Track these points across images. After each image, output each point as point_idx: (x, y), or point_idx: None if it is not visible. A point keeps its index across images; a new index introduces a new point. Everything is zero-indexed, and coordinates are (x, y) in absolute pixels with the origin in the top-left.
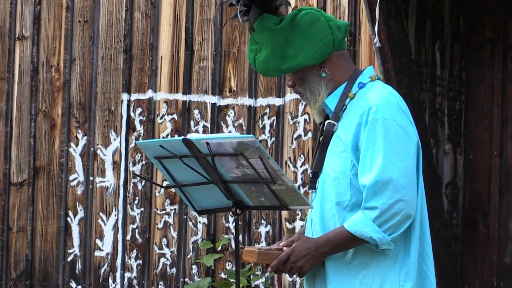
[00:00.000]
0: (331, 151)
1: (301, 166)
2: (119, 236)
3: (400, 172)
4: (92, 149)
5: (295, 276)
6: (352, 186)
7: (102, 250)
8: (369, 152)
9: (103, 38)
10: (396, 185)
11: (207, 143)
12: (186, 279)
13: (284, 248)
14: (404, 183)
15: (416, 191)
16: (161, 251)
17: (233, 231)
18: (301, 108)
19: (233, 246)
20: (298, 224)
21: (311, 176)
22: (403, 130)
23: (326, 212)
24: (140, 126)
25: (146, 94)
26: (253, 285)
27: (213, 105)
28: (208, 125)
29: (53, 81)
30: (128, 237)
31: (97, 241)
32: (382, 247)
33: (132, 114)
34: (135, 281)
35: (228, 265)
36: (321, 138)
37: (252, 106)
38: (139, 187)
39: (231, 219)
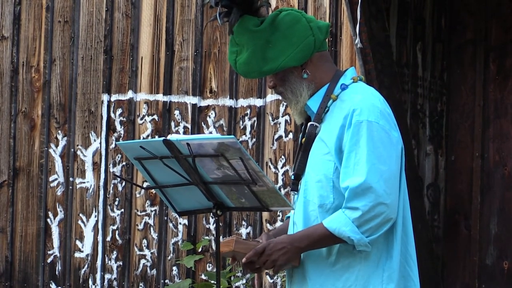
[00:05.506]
0: (313, 153)
1: (282, 167)
2: (99, 237)
3: (382, 176)
4: (72, 150)
5: (275, 277)
6: (334, 189)
7: (82, 252)
8: (353, 154)
9: (83, 38)
10: (379, 189)
11: (188, 144)
12: (167, 281)
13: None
14: (386, 187)
15: (398, 195)
16: (141, 253)
17: (213, 232)
18: (282, 109)
19: (214, 247)
20: (278, 225)
21: (293, 178)
22: (386, 133)
23: (309, 215)
24: (121, 127)
25: (127, 94)
26: (233, 287)
27: (194, 106)
28: (189, 126)
29: (33, 81)
30: (108, 238)
31: (77, 242)
32: (359, 248)
33: (112, 115)
34: (115, 283)
35: (209, 267)
36: (303, 139)
37: (233, 107)
38: (119, 188)
39: (211, 220)
